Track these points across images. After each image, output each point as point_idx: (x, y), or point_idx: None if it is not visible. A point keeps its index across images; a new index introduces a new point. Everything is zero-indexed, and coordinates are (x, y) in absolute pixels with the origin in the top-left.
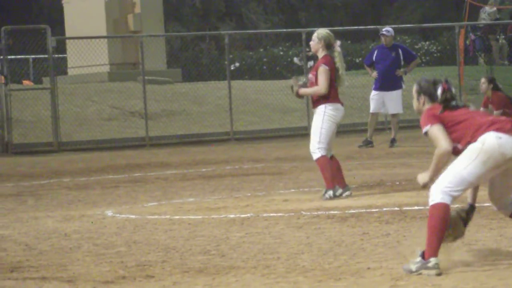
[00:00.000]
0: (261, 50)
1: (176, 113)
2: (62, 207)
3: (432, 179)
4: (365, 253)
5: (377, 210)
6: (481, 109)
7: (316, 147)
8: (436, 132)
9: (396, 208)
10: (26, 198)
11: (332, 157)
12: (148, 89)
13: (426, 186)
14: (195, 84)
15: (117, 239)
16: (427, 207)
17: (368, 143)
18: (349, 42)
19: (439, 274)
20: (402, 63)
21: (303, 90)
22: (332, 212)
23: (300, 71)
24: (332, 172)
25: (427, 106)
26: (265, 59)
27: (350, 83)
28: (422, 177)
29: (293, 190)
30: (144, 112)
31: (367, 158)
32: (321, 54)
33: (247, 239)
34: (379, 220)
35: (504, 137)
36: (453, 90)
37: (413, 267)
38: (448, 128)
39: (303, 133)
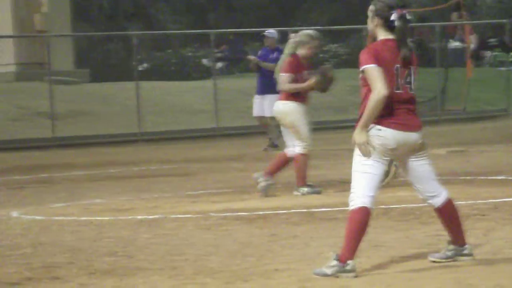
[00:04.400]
0: (170, 51)
1: (83, 114)
2: None
3: (365, 128)
4: (272, 255)
5: (285, 211)
6: None
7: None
8: (374, 72)
9: (304, 210)
10: None
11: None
12: (55, 89)
13: (363, 144)
14: (103, 84)
15: (22, 240)
16: (335, 209)
17: (272, 145)
18: (258, 43)
19: (357, 276)
20: None
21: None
22: (240, 213)
23: (208, 72)
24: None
25: (381, 32)
26: (173, 60)
27: None
28: (358, 135)
29: (201, 192)
30: (51, 113)
31: None
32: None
33: (154, 240)
34: (287, 221)
35: (383, 129)
36: (409, 18)
37: (329, 271)
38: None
39: (211, 134)
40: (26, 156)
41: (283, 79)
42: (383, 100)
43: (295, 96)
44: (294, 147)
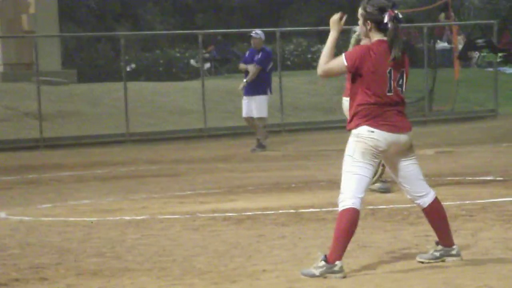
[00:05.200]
0: (158, 51)
1: (71, 114)
2: None
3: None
4: (261, 255)
5: (273, 212)
6: None
7: None
8: (337, 63)
9: (292, 211)
10: None
11: None
12: (43, 90)
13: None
14: (91, 85)
15: (10, 241)
16: (323, 209)
17: (260, 146)
18: (245, 44)
19: (345, 277)
20: (267, 68)
21: None
22: (228, 214)
23: (196, 73)
24: None
25: (375, 34)
26: (161, 61)
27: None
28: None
29: (189, 192)
30: (39, 113)
31: (263, 160)
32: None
33: (142, 241)
34: (275, 222)
35: (376, 131)
36: (401, 17)
37: (317, 272)
38: (362, 81)
39: (199, 135)
40: (13, 156)
41: None
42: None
43: None
44: None
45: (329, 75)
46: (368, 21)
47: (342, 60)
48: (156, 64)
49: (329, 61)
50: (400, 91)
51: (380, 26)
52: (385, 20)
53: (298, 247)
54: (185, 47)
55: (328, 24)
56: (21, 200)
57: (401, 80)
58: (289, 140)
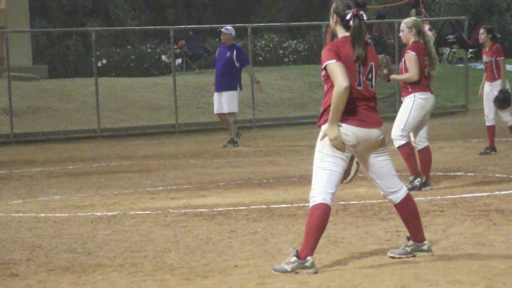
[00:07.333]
0: (129, 47)
1: (42, 110)
2: None
3: (336, 122)
4: (232, 251)
5: (244, 208)
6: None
7: (399, 134)
8: (335, 68)
9: (264, 206)
10: None
11: (427, 148)
12: (14, 86)
13: (336, 139)
14: (62, 80)
15: None
16: (294, 205)
17: (232, 142)
18: (217, 40)
19: (316, 272)
20: (237, 64)
21: (394, 77)
22: (199, 210)
23: (168, 68)
24: (415, 160)
25: (340, 29)
26: (132, 56)
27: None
28: (330, 131)
29: (160, 188)
30: (9, 109)
31: (235, 156)
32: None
33: (114, 237)
34: (246, 218)
35: (343, 125)
36: (365, 18)
37: (288, 267)
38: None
39: (171, 131)
40: None
41: None
42: (345, 93)
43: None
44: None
45: (346, 81)
46: (334, 15)
47: (332, 64)
48: (127, 60)
49: (335, 79)
50: (369, 85)
51: (343, 23)
52: (348, 17)
53: (269, 243)
54: (156, 43)
55: (299, 20)
56: None
57: (370, 75)
58: (261, 136)
